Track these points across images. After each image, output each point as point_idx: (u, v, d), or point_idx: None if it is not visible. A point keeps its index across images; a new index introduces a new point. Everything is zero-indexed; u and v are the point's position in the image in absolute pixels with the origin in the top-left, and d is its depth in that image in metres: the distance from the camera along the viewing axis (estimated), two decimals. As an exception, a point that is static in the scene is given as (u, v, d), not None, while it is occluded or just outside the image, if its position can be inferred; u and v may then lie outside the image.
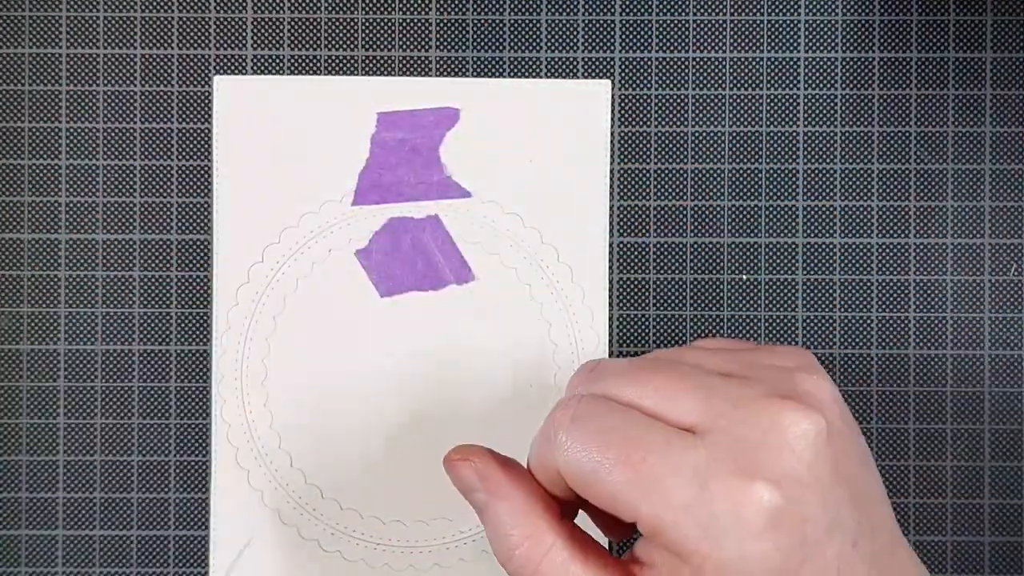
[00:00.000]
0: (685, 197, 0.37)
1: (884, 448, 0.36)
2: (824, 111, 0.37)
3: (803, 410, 0.23)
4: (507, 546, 0.25)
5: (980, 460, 0.36)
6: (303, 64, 0.37)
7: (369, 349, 0.36)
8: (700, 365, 0.26)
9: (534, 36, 0.37)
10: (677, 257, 0.37)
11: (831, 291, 0.37)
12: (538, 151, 0.37)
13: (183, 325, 0.37)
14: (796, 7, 0.37)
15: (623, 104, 0.37)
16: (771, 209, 0.37)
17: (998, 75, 0.37)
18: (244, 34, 0.37)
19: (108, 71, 0.37)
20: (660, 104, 0.37)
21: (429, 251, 0.37)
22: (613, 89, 0.37)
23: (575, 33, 0.37)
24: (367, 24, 0.37)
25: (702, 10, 0.37)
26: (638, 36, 0.37)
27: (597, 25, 0.37)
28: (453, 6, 0.37)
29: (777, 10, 0.37)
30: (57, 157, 0.37)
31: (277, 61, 0.37)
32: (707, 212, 0.37)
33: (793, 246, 0.37)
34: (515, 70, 0.37)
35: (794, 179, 0.37)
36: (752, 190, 0.37)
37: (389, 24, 0.37)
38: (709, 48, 0.37)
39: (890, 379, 0.37)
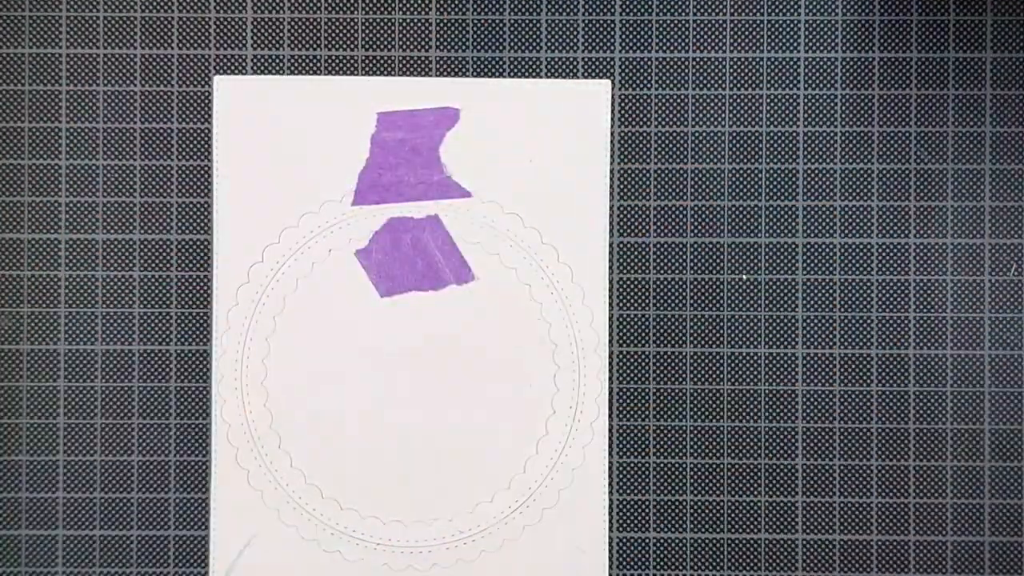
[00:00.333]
0: (685, 197, 0.37)
1: (884, 448, 0.36)
2: (824, 111, 0.37)
3: None
4: None
5: (980, 460, 0.36)
6: (303, 64, 0.37)
7: (369, 349, 0.36)
8: None
9: (534, 36, 0.37)
10: (677, 257, 0.37)
11: (831, 291, 0.37)
12: (538, 151, 0.37)
13: (183, 325, 0.37)
14: (796, 7, 0.37)
15: (623, 104, 0.37)
16: (771, 209, 0.37)
17: (998, 75, 0.37)
18: (244, 34, 0.37)
19: (108, 71, 0.37)
20: (660, 104, 0.37)
21: (429, 251, 0.37)
22: (613, 89, 0.37)
23: (575, 33, 0.37)
24: (367, 24, 0.37)
25: (702, 10, 0.37)
26: (638, 36, 0.37)
27: (597, 25, 0.37)
28: (453, 6, 0.37)
29: (777, 10, 0.37)
30: (57, 157, 0.37)
31: (277, 61, 0.37)
32: (707, 212, 0.37)
33: (793, 246, 0.37)
34: (515, 70, 0.37)
35: (794, 179, 0.37)
36: (752, 190, 0.37)
37: (389, 24, 0.37)
38: (709, 48, 0.37)
39: (890, 379, 0.37)
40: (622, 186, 0.37)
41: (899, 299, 0.37)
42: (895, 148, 0.37)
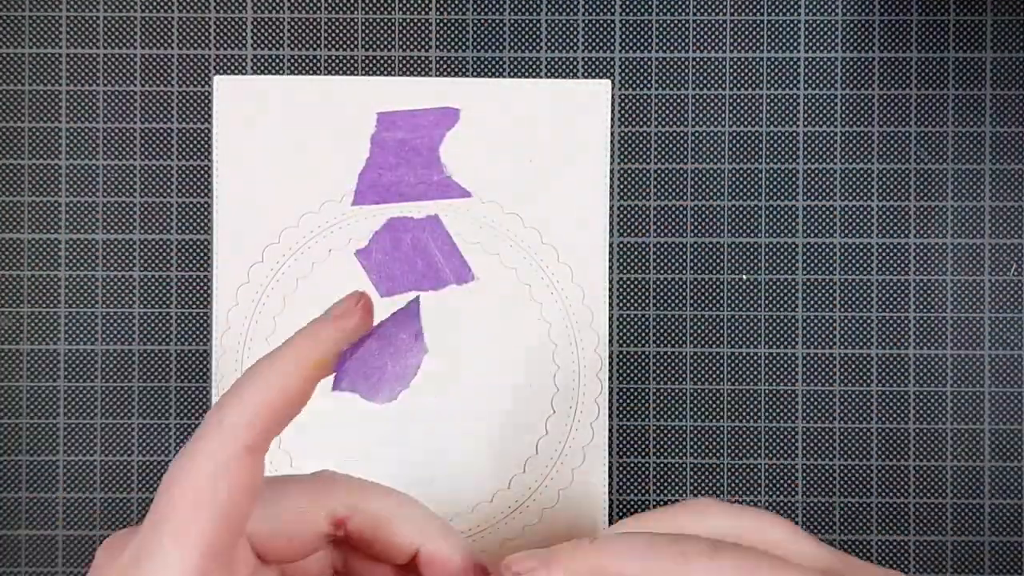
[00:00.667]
0: (685, 197, 0.37)
1: (884, 448, 0.36)
2: (824, 111, 0.37)
3: None
4: None
5: (980, 460, 0.36)
6: (303, 64, 0.37)
7: (369, 349, 0.36)
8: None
9: (534, 36, 0.37)
10: (677, 257, 0.37)
11: (831, 291, 0.37)
12: (538, 151, 0.37)
13: (183, 325, 0.37)
14: (796, 7, 0.37)
15: (623, 104, 0.37)
16: (771, 209, 0.37)
17: (998, 75, 0.37)
18: (244, 34, 0.37)
19: (108, 71, 0.37)
20: (660, 104, 0.37)
21: (429, 251, 0.37)
22: (613, 89, 0.37)
23: (575, 33, 0.37)
24: (367, 24, 0.37)
25: (702, 10, 0.37)
26: (638, 36, 0.37)
27: (597, 25, 0.37)
28: (453, 6, 0.37)
29: (777, 10, 0.37)
30: (57, 157, 0.37)
31: (277, 61, 0.37)
32: (707, 212, 0.37)
33: (793, 246, 0.37)
34: (515, 70, 0.37)
35: (794, 179, 0.37)
36: (752, 190, 0.37)
37: (389, 24, 0.37)
38: (709, 48, 0.37)
39: (890, 379, 0.37)
40: (622, 186, 0.37)
41: (899, 299, 0.37)
42: (895, 148, 0.37)
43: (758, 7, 0.37)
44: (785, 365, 0.37)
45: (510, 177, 0.37)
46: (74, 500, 0.36)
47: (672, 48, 0.37)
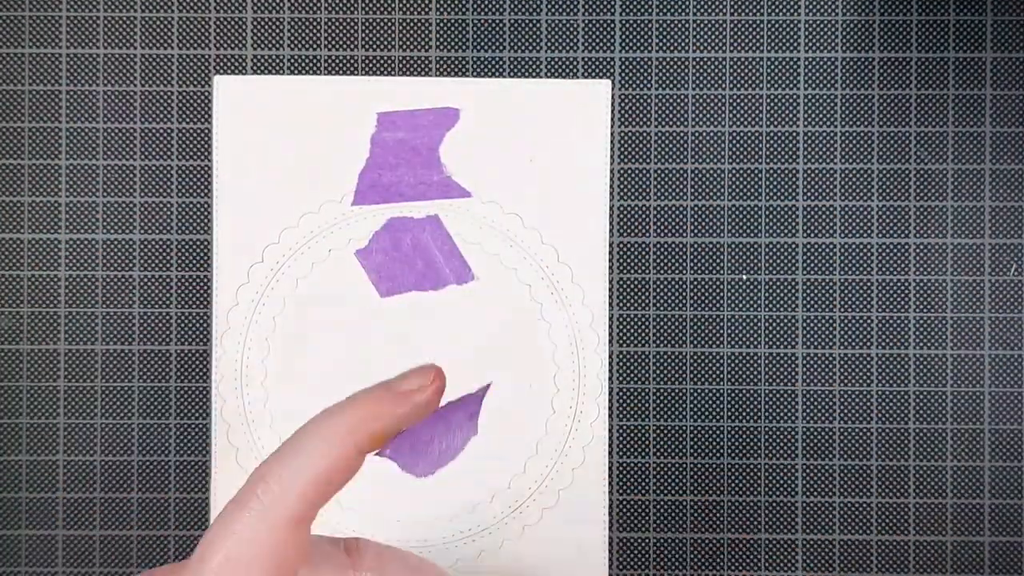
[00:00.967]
0: (685, 197, 0.37)
1: (884, 448, 0.36)
2: (824, 111, 0.37)
3: None
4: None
5: (980, 460, 0.36)
6: (303, 64, 0.37)
7: (369, 349, 0.36)
8: None
9: (534, 36, 0.37)
10: (677, 257, 0.37)
11: (831, 291, 0.37)
12: (538, 151, 0.37)
13: (183, 325, 0.37)
14: (796, 7, 0.37)
15: (623, 104, 0.37)
16: (771, 209, 0.37)
17: (998, 75, 0.37)
18: (244, 34, 0.37)
19: (108, 71, 0.37)
20: (660, 104, 0.37)
21: (429, 251, 0.37)
22: (613, 89, 0.37)
23: (575, 33, 0.37)
24: (367, 24, 0.37)
25: (702, 10, 0.37)
26: (638, 36, 0.37)
27: (597, 25, 0.37)
28: (453, 6, 0.37)
29: (777, 10, 0.37)
30: (57, 157, 0.37)
31: (277, 61, 0.37)
32: (707, 212, 0.37)
33: (793, 246, 0.37)
34: (515, 70, 0.37)
35: (794, 179, 0.37)
36: (752, 190, 0.37)
37: (389, 24, 0.37)
38: (709, 48, 0.37)
39: (890, 379, 0.37)
40: (622, 186, 0.37)
41: (899, 299, 0.37)
42: (895, 148, 0.37)
43: (758, 7, 0.37)
44: (785, 365, 0.37)
45: (510, 177, 0.37)
46: (74, 500, 0.36)
47: (672, 48, 0.37)
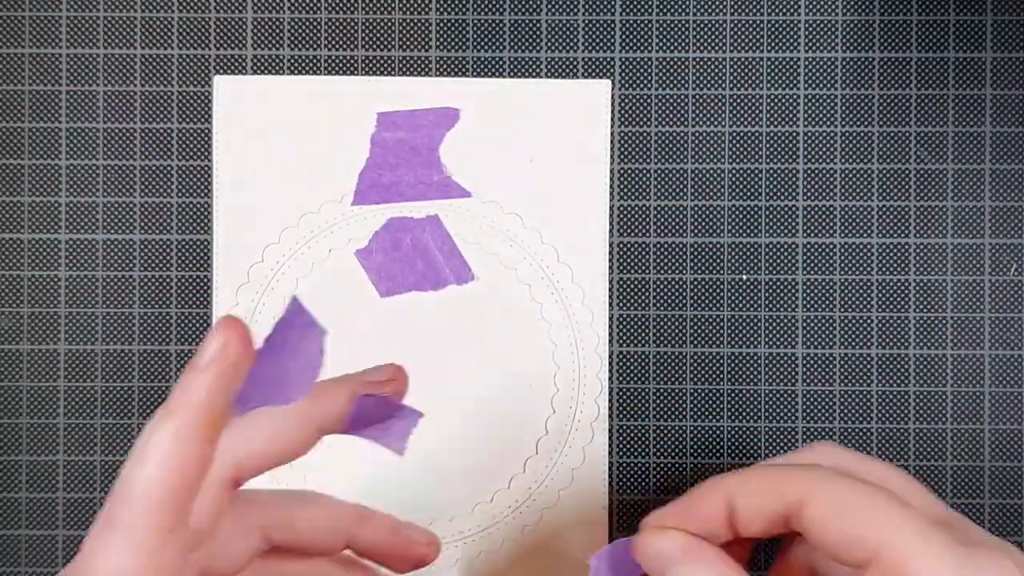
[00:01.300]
0: (685, 197, 0.37)
1: (884, 448, 0.36)
2: (824, 111, 0.37)
3: None
4: None
5: (980, 460, 0.36)
6: (303, 64, 0.37)
7: (369, 349, 0.36)
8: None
9: (534, 36, 0.37)
10: (677, 257, 0.37)
11: (831, 291, 0.37)
12: (538, 151, 0.37)
13: (183, 325, 0.37)
14: (796, 7, 0.37)
15: (623, 104, 0.37)
16: (771, 209, 0.37)
17: (998, 75, 0.37)
18: (244, 34, 0.37)
19: (108, 71, 0.37)
20: (660, 104, 0.37)
21: (429, 251, 0.37)
22: (613, 89, 0.37)
23: (575, 33, 0.37)
24: (367, 24, 0.37)
25: (702, 10, 0.37)
26: (638, 36, 0.37)
27: (597, 25, 0.37)
28: (453, 6, 0.37)
29: (777, 10, 0.37)
30: (57, 157, 0.37)
31: (277, 61, 0.37)
32: (707, 212, 0.37)
33: (793, 246, 0.37)
34: (515, 70, 0.37)
35: (794, 179, 0.37)
36: (752, 190, 0.37)
37: (389, 24, 0.37)
38: (709, 48, 0.37)
39: (890, 379, 0.37)
40: (622, 186, 0.37)
41: (899, 299, 0.37)
42: (895, 148, 0.37)
43: (758, 7, 0.37)
44: (785, 365, 0.37)
45: (510, 177, 0.37)
46: (74, 500, 0.36)
47: (672, 48, 0.37)
